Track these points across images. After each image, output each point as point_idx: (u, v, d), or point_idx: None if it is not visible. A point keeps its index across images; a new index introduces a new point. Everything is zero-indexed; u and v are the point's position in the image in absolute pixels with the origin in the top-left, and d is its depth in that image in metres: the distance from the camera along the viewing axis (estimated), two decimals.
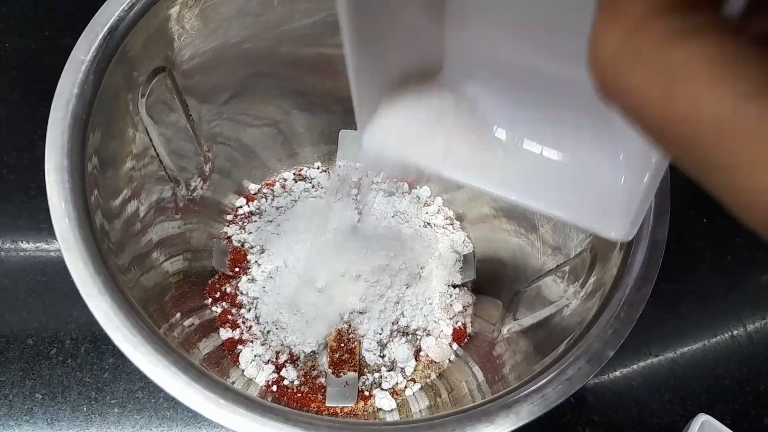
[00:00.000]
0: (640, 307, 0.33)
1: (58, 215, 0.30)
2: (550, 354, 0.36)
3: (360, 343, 0.51)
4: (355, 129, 0.57)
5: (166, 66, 0.41)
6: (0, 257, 0.56)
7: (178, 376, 0.29)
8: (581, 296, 0.39)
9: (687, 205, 0.67)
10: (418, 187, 0.60)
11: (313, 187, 0.59)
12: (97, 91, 0.34)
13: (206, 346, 0.48)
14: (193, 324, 0.48)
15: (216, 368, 0.47)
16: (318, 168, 0.60)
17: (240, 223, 0.57)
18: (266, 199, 0.58)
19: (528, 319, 0.45)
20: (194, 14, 0.40)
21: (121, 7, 0.35)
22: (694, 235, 0.65)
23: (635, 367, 0.59)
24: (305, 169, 0.60)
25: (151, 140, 0.42)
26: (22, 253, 0.56)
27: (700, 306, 0.62)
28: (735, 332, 0.62)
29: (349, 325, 0.51)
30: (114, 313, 0.29)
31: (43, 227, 0.57)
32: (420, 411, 0.48)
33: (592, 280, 0.39)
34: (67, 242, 0.30)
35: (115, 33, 0.35)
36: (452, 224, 0.59)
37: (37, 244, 0.57)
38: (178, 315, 0.45)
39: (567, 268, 0.43)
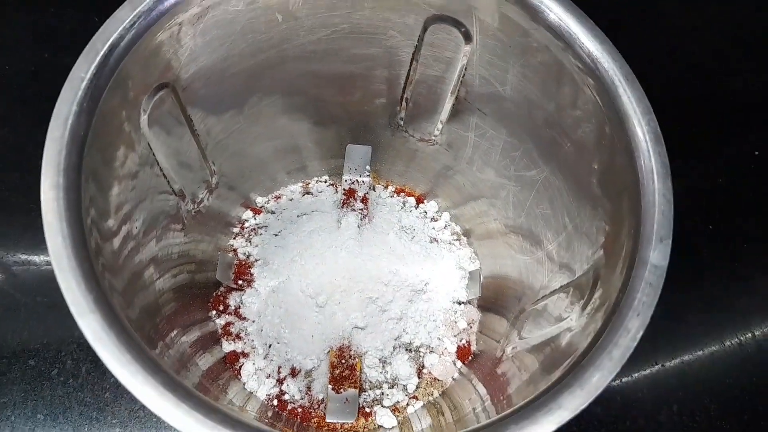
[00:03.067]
0: (637, 335, 0.32)
1: (52, 233, 0.30)
2: (554, 374, 0.35)
3: (361, 359, 0.51)
4: (362, 144, 0.58)
5: (169, 82, 0.41)
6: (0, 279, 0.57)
7: (166, 396, 0.29)
8: (583, 318, 0.38)
9: (693, 212, 0.66)
10: (425, 201, 0.60)
11: (319, 201, 0.58)
12: (96, 108, 0.34)
13: (208, 359, 0.48)
14: (195, 336, 0.48)
15: (217, 382, 0.47)
16: (325, 182, 0.60)
17: (246, 235, 0.57)
18: (273, 213, 0.58)
19: (534, 338, 0.45)
20: (197, 31, 0.40)
21: (122, 26, 0.35)
22: (700, 242, 0.65)
23: (642, 376, 0.58)
24: (312, 183, 0.60)
25: (154, 155, 0.42)
26: (22, 275, 0.57)
27: (708, 314, 0.61)
28: (743, 340, 0.60)
29: (350, 342, 0.51)
30: (104, 332, 0.29)
31: (44, 247, 0.58)
32: (422, 430, 0.48)
33: (594, 300, 0.38)
34: (59, 260, 0.30)
35: (116, 51, 0.35)
36: (459, 240, 0.59)
37: (38, 265, 0.58)
38: (180, 328, 0.45)
39: (572, 288, 0.42)
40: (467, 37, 0.44)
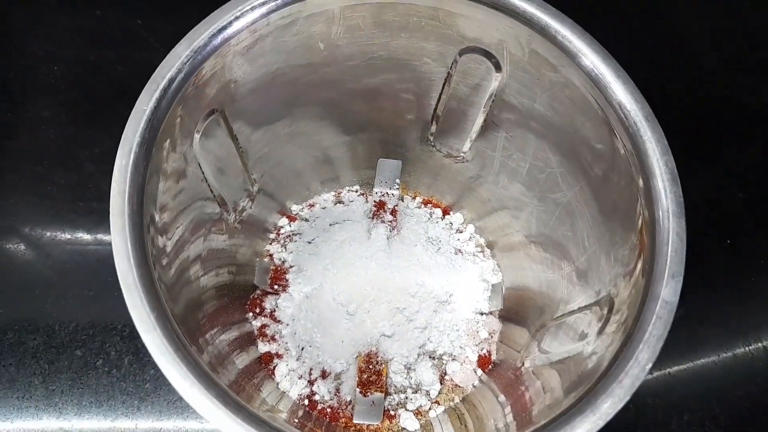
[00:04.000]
0: (646, 366, 0.34)
1: (121, 257, 0.34)
2: (572, 394, 0.37)
3: (387, 365, 0.53)
4: (392, 157, 0.60)
5: (218, 108, 0.44)
6: (47, 274, 0.60)
7: (219, 408, 0.33)
8: (604, 336, 0.40)
9: (709, 224, 0.67)
10: (451, 213, 0.62)
11: (350, 210, 0.61)
12: (156, 137, 0.37)
13: (244, 358, 0.51)
14: (234, 335, 0.51)
15: (252, 380, 0.50)
16: (356, 191, 0.63)
17: (282, 241, 0.60)
18: (306, 221, 0.61)
19: (554, 354, 0.46)
20: (246, 60, 0.43)
21: (180, 60, 0.38)
22: (715, 255, 0.65)
23: (653, 385, 0.59)
24: (344, 192, 0.62)
25: (203, 173, 0.45)
26: (71, 270, 0.60)
27: (720, 326, 0.62)
28: (755, 353, 0.61)
29: (378, 348, 0.54)
30: (165, 348, 0.33)
31: (92, 244, 0.62)
32: None
33: (609, 329, 0.40)
34: (126, 281, 0.33)
35: (174, 84, 0.38)
36: (482, 251, 0.60)
37: (86, 260, 0.61)
38: (220, 326, 0.48)
39: (592, 309, 0.44)
40: (497, 67, 0.46)
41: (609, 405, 0.33)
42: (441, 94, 0.51)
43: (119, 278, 0.34)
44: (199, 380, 0.33)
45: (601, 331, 0.41)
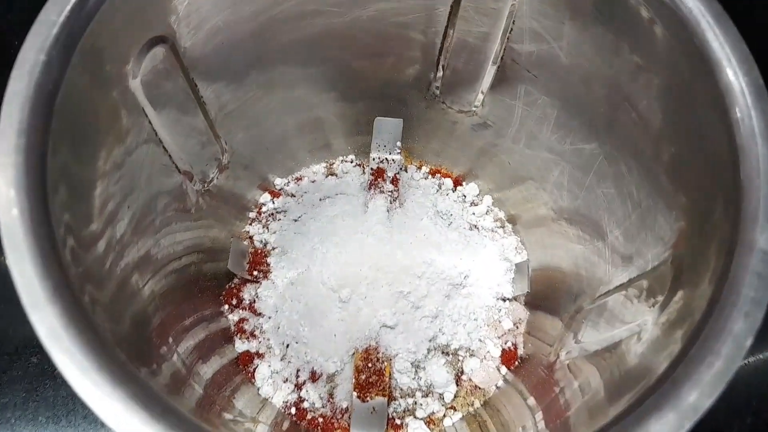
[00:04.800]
0: (746, 342, 0.24)
1: (3, 205, 0.25)
2: (626, 396, 0.29)
3: (390, 363, 0.46)
4: (393, 117, 0.52)
5: (166, 36, 0.35)
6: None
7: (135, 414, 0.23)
8: (662, 322, 0.32)
9: None
10: (464, 183, 0.55)
11: (344, 183, 0.53)
12: (70, 60, 0.29)
13: (216, 362, 0.44)
14: (202, 336, 0.44)
15: (224, 391, 0.42)
16: (351, 162, 0.55)
17: (264, 221, 0.52)
18: (293, 196, 0.53)
19: (593, 343, 0.39)
20: None
21: None
22: None
23: None
24: (337, 162, 0.55)
25: (152, 127, 0.37)
26: None
27: None
28: None
29: (378, 343, 0.46)
30: (62, 328, 0.24)
31: None
32: None
33: (676, 302, 0.31)
34: (12, 239, 0.25)
35: None
36: (503, 227, 0.54)
37: None
38: (182, 331, 0.40)
39: (643, 284, 0.36)
40: None
41: (696, 398, 0.24)
42: (446, 27, 0.43)
43: (2, 235, 0.25)
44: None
45: (663, 309, 0.32)
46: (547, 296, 0.49)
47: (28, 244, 0.25)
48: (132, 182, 0.35)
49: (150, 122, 0.37)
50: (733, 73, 0.30)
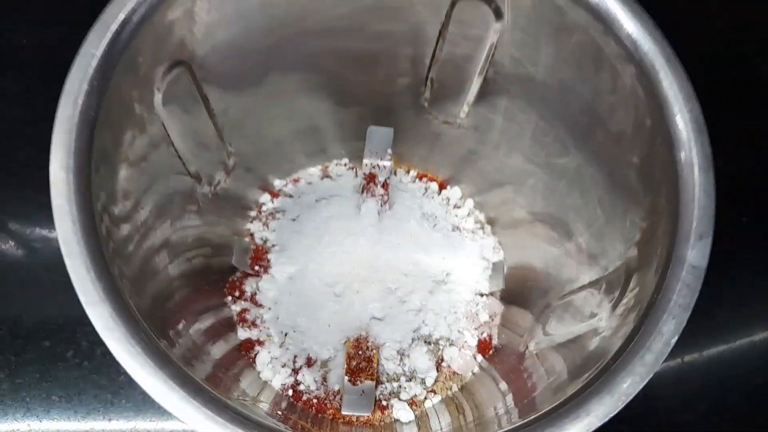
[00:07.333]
0: (671, 340, 0.30)
1: (62, 217, 0.29)
2: (581, 377, 0.33)
3: (378, 351, 0.49)
4: (384, 124, 0.55)
5: (184, 60, 0.39)
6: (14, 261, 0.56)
7: (174, 390, 0.28)
8: (617, 315, 0.36)
9: (726, 202, 0.63)
10: (448, 187, 0.58)
11: (338, 185, 0.57)
12: (108, 87, 0.33)
13: (222, 347, 0.47)
14: (210, 323, 0.47)
15: (230, 371, 0.45)
16: (345, 165, 0.58)
17: (263, 219, 0.55)
18: (291, 197, 0.56)
19: (559, 336, 0.43)
20: (213, 5, 0.38)
21: (135, 0, 0.34)
22: (732, 234, 0.61)
23: (665, 375, 0.56)
24: (332, 166, 0.58)
25: (169, 136, 0.41)
26: (39, 252, 0.56)
27: (737, 310, 0.59)
28: None
29: (368, 333, 0.49)
30: (114, 323, 0.28)
31: None
32: (441, 429, 0.46)
33: (627, 299, 0.36)
34: (69, 246, 0.29)
35: (128, 27, 0.33)
36: (482, 228, 0.56)
37: (55, 242, 0.57)
38: (194, 314, 0.44)
39: (603, 285, 0.40)
40: (498, 14, 0.41)
41: (629, 385, 0.29)
42: (435, 48, 0.46)
43: (60, 242, 0.29)
44: (170, 377, 0.28)
45: (615, 307, 0.37)
46: (520, 292, 0.52)
47: (81, 249, 0.29)
48: (153, 176, 0.39)
49: (167, 131, 0.40)
50: (680, 110, 0.34)
